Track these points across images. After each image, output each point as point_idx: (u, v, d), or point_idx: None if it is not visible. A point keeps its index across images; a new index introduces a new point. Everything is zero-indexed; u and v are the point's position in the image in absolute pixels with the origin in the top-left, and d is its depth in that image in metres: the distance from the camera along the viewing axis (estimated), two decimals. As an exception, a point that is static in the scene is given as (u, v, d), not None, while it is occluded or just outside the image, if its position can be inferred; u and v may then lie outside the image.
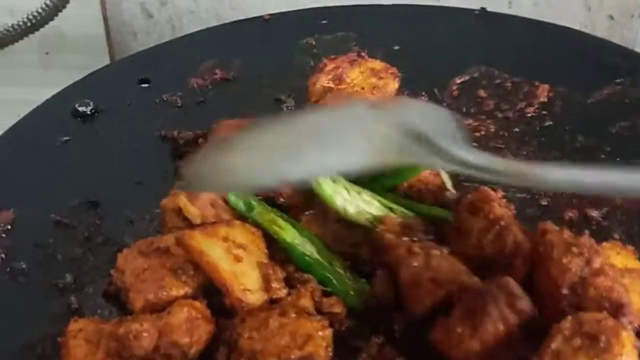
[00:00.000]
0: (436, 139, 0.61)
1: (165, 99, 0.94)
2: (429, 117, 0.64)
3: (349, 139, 0.62)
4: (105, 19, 1.35)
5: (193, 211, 0.74)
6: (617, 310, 0.62)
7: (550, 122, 0.88)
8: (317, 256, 0.73)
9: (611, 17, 1.27)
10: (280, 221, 0.75)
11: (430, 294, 0.66)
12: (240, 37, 1.03)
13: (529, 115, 0.89)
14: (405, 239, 0.71)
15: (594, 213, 0.78)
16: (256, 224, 0.75)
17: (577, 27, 1.27)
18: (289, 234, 0.74)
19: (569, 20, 1.26)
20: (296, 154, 0.61)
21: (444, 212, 0.74)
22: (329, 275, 0.72)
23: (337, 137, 0.62)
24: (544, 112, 0.90)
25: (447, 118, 0.66)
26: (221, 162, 0.63)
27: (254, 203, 0.76)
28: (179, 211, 0.75)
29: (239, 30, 1.04)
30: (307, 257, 0.73)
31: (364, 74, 0.91)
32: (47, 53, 1.35)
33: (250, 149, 0.62)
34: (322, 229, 0.76)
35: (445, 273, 0.66)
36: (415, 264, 0.67)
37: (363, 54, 0.92)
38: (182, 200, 0.75)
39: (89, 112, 0.92)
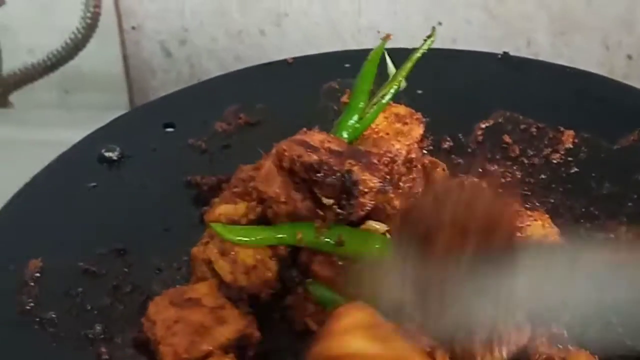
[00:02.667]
0: None
1: (190, 143, 0.95)
2: None
3: None
4: (124, 57, 1.37)
5: (223, 266, 0.74)
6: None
7: (576, 169, 0.89)
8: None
9: (630, 57, 1.28)
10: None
11: None
12: (264, 80, 1.03)
13: (555, 161, 0.90)
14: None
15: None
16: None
17: (595, 66, 1.28)
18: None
19: (587, 59, 1.28)
20: None
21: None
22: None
23: None
24: (570, 159, 0.90)
25: None
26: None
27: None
28: (209, 262, 0.75)
29: (262, 74, 1.04)
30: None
31: (388, 119, 0.92)
32: (66, 92, 1.36)
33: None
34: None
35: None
36: None
37: (386, 99, 0.92)
38: (213, 252, 0.75)
39: (115, 158, 0.92)
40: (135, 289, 0.80)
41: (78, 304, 0.78)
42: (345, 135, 0.86)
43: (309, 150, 0.76)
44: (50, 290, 0.79)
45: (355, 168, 0.75)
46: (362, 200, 0.75)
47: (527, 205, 0.80)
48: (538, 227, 0.78)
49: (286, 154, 0.76)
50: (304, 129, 0.82)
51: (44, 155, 0.92)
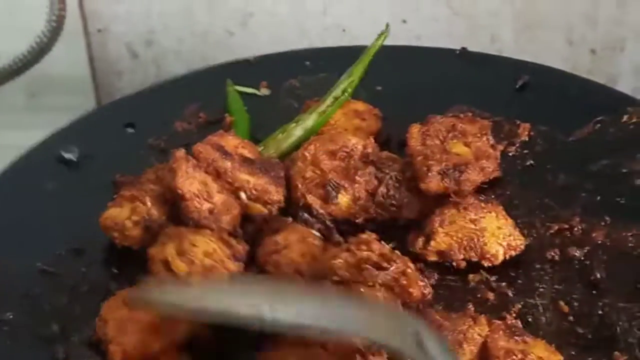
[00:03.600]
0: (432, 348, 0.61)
1: (150, 143, 0.95)
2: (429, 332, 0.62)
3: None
4: (91, 59, 1.36)
5: (180, 266, 0.74)
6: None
7: (532, 161, 0.89)
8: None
9: (593, 52, 1.29)
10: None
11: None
12: (225, 79, 1.04)
13: (511, 154, 0.90)
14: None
15: (576, 252, 0.79)
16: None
17: (559, 62, 1.28)
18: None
19: (551, 54, 1.29)
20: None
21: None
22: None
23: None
24: (525, 151, 0.91)
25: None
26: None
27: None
28: (165, 262, 0.75)
29: (224, 73, 1.05)
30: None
31: (347, 115, 0.93)
32: (33, 95, 1.36)
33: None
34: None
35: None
36: None
37: (344, 96, 0.93)
38: (171, 252, 0.75)
39: (74, 159, 0.92)
40: (92, 289, 0.80)
41: (35, 304, 0.78)
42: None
43: (223, 156, 0.81)
44: (7, 291, 0.79)
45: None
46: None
47: (481, 197, 0.80)
48: (492, 219, 0.79)
49: (202, 155, 0.81)
50: (221, 131, 0.86)
51: (10, 158, 0.93)
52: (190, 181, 0.80)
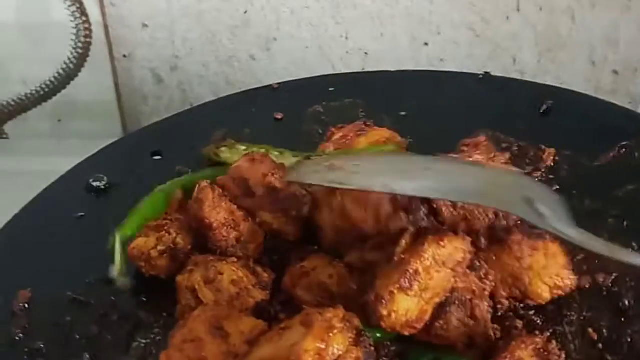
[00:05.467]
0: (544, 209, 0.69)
1: (177, 170, 0.96)
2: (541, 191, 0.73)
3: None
4: (116, 85, 1.38)
5: (207, 294, 0.75)
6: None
7: (557, 187, 0.89)
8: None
9: (616, 72, 1.29)
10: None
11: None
12: (250, 106, 1.05)
13: (536, 179, 0.90)
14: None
15: (604, 279, 0.79)
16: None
17: (582, 82, 1.29)
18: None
19: (574, 75, 1.29)
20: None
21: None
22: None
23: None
24: (551, 177, 0.91)
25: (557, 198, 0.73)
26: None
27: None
28: (193, 290, 0.76)
29: (248, 100, 1.06)
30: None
31: (370, 143, 0.93)
32: (59, 121, 1.38)
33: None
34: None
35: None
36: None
37: (369, 123, 0.94)
38: (197, 280, 0.76)
39: (102, 187, 0.93)
40: (122, 318, 0.81)
41: (66, 334, 0.79)
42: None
43: (245, 193, 0.82)
44: (39, 320, 0.80)
45: None
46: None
47: (531, 233, 0.78)
48: (539, 256, 0.77)
49: (227, 187, 0.83)
50: (254, 155, 0.85)
51: (39, 184, 0.94)
52: (217, 210, 0.81)
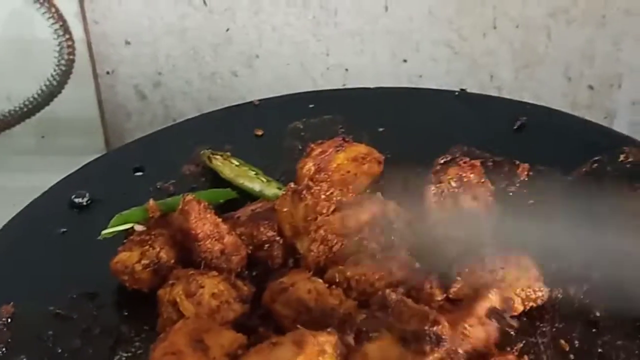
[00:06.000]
0: None
1: (158, 187, 0.98)
2: None
3: None
4: (100, 101, 1.39)
5: (188, 307, 0.76)
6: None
7: (531, 201, 0.91)
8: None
9: (591, 87, 1.31)
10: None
11: None
12: (231, 122, 1.06)
13: (510, 194, 0.92)
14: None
15: (576, 291, 0.81)
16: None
17: (559, 97, 1.31)
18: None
19: (550, 91, 1.32)
20: None
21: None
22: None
23: None
24: (525, 191, 0.93)
25: None
26: None
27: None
28: (174, 303, 0.78)
29: (229, 116, 1.08)
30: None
31: (349, 159, 0.95)
32: (43, 137, 1.39)
33: None
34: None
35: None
36: None
37: (348, 139, 0.96)
38: (178, 293, 0.77)
39: (84, 203, 0.95)
40: (104, 332, 0.82)
41: (49, 348, 0.80)
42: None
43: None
44: (21, 334, 0.81)
45: None
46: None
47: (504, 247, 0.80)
48: (511, 269, 0.79)
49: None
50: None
51: (24, 200, 0.95)
52: (203, 222, 0.82)
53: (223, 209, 0.89)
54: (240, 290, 0.80)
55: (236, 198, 0.94)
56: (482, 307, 0.73)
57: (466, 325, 0.72)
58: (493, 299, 0.74)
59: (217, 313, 0.78)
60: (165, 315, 0.79)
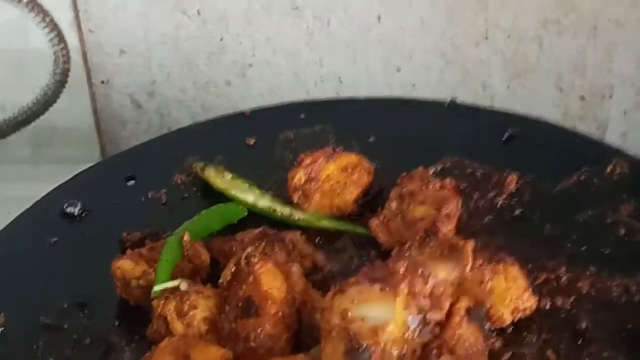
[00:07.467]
0: None
1: (150, 196, 0.98)
2: None
3: None
4: (95, 110, 1.40)
5: (178, 327, 0.77)
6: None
7: (520, 211, 0.92)
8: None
9: (583, 98, 1.32)
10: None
11: None
12: (222, 132, 1.07)
13: (499, 204, 0.93)
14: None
15: (562, 302, 0.81)
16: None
17: (550, 107, 1.32)
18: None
19: (542, 101, 1.32)
20: None
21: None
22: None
23: None
24: (513, 202, 0.93)
25: None
26: None
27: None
28: (165, 318, 0.78)
29: (221, 125, 1.08)
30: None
31: (339, 169, 0.96)
32: (38, 146, 1.39)
33: None
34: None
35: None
36: None
37: (338, 149, 0.96)
38: (170, 310, 0.78)
39: (76, 213, 0.95)
40: (95, 342, 0.82)
41: (40, 357, 0.81)
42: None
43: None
44: (12, 344, 0.82)
45: None
46: None
47: (493, 257, 0.80)
48: (500, 280, 0.79)
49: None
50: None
51: (19, 210, 0.96)
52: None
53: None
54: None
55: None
56: (461, 308, 0.73)
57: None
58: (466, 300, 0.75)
59: (206, 336, 0.77)
60: (155, 327, 0.79)
